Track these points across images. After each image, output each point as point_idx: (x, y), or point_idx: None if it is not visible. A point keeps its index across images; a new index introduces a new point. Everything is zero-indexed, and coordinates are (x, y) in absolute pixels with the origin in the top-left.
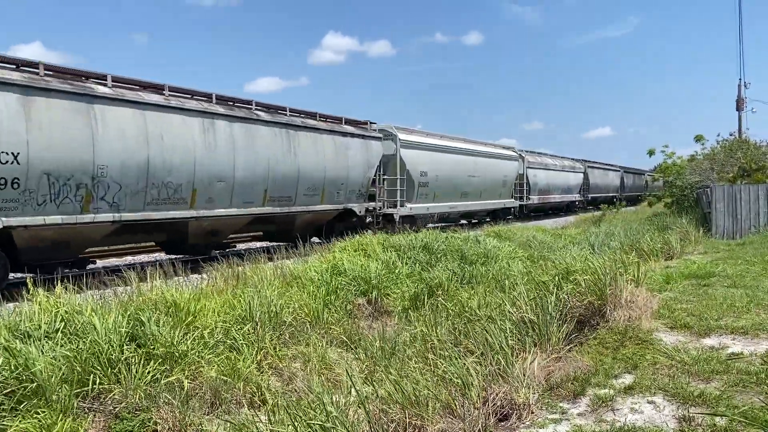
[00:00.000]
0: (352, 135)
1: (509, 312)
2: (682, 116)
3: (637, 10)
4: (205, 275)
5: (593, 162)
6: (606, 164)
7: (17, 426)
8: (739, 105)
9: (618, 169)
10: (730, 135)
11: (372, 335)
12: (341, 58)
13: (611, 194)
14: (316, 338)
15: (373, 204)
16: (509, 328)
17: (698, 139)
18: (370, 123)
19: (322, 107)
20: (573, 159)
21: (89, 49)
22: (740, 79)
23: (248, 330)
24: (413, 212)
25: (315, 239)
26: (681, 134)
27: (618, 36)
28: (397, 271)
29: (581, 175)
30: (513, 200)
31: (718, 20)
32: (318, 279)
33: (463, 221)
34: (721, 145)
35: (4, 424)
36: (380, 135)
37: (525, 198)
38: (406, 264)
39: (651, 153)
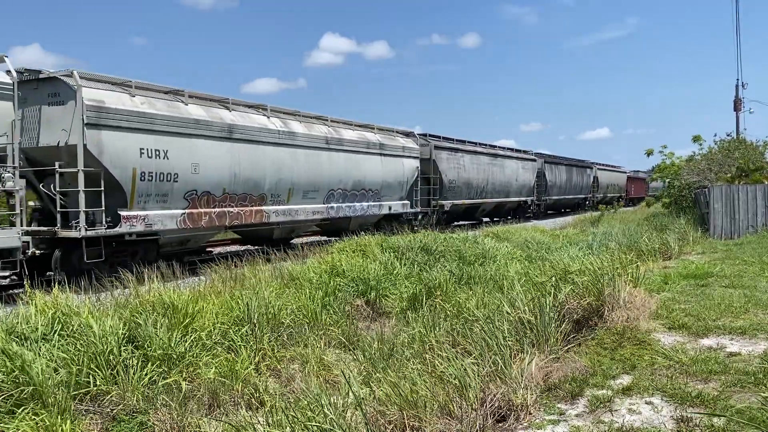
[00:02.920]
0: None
1: (507, 313)
2: (679, 117)
3: (636, 11)
4: (203, 277)
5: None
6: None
7: (15, 428)
8: (737, 105)
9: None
10: (728, 135)
11: (370, 336)
12: (339, 59)
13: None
14: (314, 339)
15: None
16: (507, 328)
17: (696, 139)
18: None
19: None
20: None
21: (88, 51)
22: (738, 79)
23: (246, 331)
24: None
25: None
26: (679, 135)
27: (616, 37)
28: (395, 272)
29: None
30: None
31: (715, 21)
32: (316, 280)
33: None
34: (718, 145)
35: (2, 427)
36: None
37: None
38: (405, 265)
39: (649, 153)
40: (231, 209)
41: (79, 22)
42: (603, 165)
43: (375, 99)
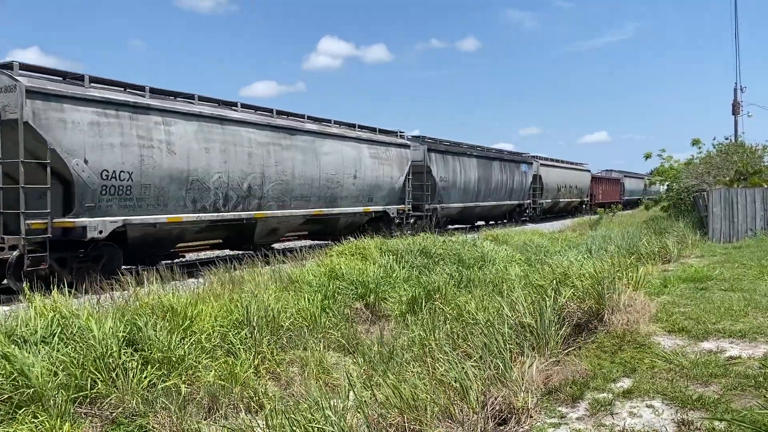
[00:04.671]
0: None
1: (507, 316)
2: (678, 121)
3: (636, 16)
4: (201, 279)
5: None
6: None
7: (14, 431)
8: (735, 109)
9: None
10: (726, 139)
11: (370, 339)
12: (338, 62)
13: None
14: (314, 343)
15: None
16: (507, 332)
17: (695, 142)
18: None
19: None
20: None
21: (87, 54)
22: (736, 83)
23: (245, 334)
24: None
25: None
26: (678, 139)
27: (616, 42)
28: (394, 275)
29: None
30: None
31: (714, 25)
32: (316, 283)
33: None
34: (717, 149)
35: (2, 430)
36: (410, 144)
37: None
38: (404, 268)
39: (648, 156)
40: None
41: (78, 26)
42: (551, 160)
43: (374, 102)
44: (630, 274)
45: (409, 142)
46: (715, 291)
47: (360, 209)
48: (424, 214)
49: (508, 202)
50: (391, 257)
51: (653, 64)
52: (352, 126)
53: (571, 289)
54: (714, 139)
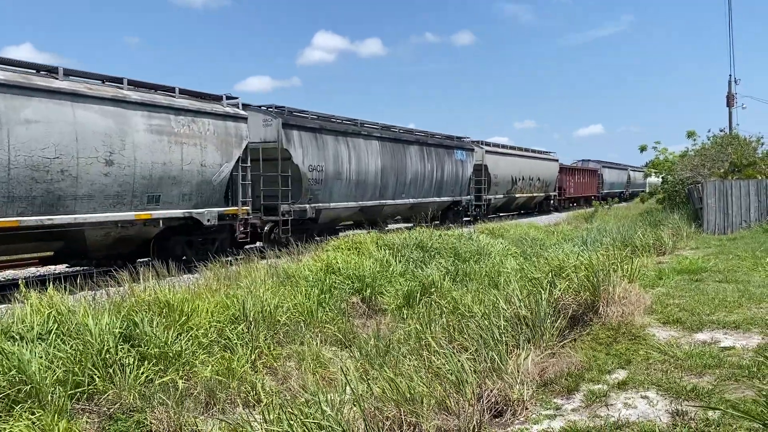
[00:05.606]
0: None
1: (503, 309)
2: (673, 113)
3: (631, 8)
4: (197, 275)
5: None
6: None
7: (11, 428)
8: (730, 101)
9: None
10: (721, 131)
11: (366, 333)
12: (332, 57)
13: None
14: (311, 337)
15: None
16: (503, 324)
17: (690, 135)
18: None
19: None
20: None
21: (81, 50)
22: (730, 75)
23: (242, 330)
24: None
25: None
26: (673, 131)
27: (611, 34)
28: (391, 269)
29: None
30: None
31: (708, 18)
32: (312, 278)
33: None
34: (711, 141)
35: None
36: (245, 114)
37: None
38: (400, 262)
39: (643, 149)
40: None
41: (71, 22)
42: (502, 147)
43: (369, 97)
44: (625, 266)
45: (245, 113)
46: (710, 282)
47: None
48: (279, 219)
49: (437, 199)
50: (387, 251)
51: (648, 57)
52: (119, 81)
53: (567, 281)
54: (709, 131)
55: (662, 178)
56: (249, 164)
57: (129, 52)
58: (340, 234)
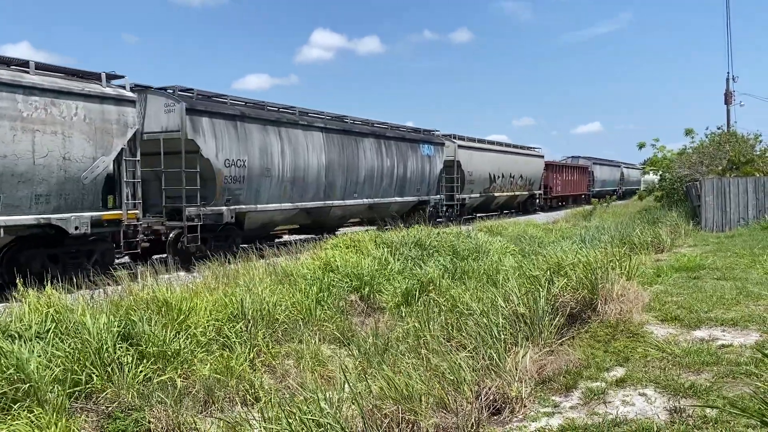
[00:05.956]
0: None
1: (501, 306)
2: (671, 111)
3: (630, 6)
4: (196, 273)
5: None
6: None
7: (10, 426)
8: (728, 99)
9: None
10: (719, 128)
11: (365, 332)
12: (330, 55)
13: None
14: (309, 335)
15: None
16: (501, 322)
17: (688, 132)
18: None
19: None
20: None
21: (79, 49)
22: (728, 73)
23: (241, 328)
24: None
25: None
26: (671, 129)
27: (609, 32)
28: (389, 267)
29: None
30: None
31: (707, 16)
32: (310, 276)
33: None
34: (710, 138)
35: None
36: (133, 97)
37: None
38: (399, 260)
39: (641, 146)
40: None
41: (69, 21)
42: (478, 141)
43: (367, 95)
44: (623, 264)
45: (131, 94)
46: (708, 280)
47: None
48: (184, 225)
49: (399, 199)
50: (385, 249)
51: (646, 55)
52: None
53: (565, 279)
54: (707, 129)
55: (660, 175)
56: (138, 158)
57: (127, 50)
58: (276, 240)
